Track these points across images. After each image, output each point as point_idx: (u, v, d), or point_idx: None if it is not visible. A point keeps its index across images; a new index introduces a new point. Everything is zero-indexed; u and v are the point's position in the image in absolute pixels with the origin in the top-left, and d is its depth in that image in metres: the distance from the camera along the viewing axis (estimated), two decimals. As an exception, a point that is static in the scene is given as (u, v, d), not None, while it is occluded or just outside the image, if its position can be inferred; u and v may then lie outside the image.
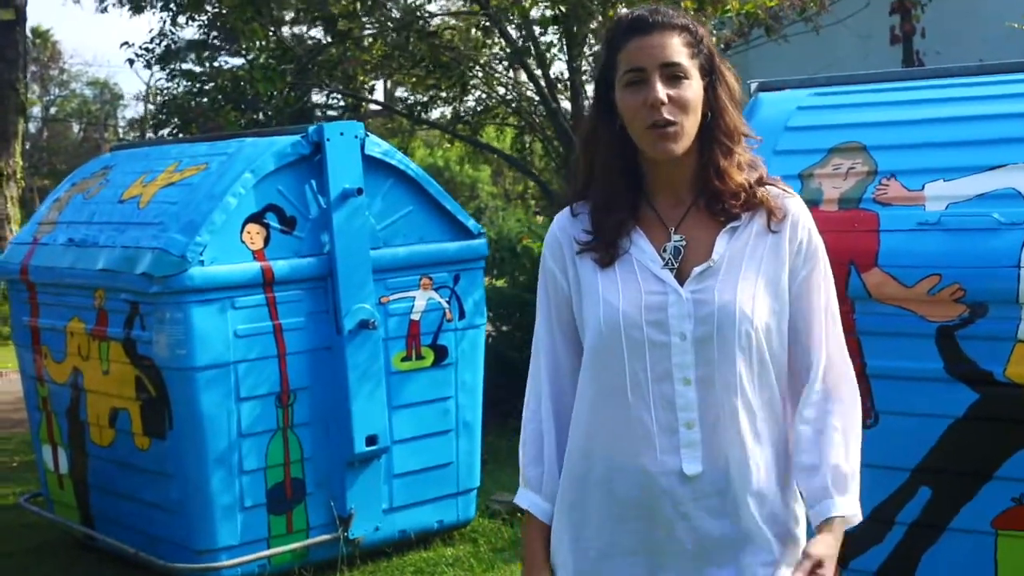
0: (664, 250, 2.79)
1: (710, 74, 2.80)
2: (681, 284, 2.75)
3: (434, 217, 7.09)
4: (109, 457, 6.88)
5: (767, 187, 2.83)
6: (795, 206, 2.84)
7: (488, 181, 43.06)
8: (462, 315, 7.11)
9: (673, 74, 2.73)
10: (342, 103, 14.38)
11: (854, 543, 4.20)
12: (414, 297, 6.95)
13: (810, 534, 2.79)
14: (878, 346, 4.13)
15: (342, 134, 6.65)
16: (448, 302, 7.07)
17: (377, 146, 6.88)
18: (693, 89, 2.75)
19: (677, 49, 2.74)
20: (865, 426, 4.06)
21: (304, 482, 6.58)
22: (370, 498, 6.79)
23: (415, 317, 6.96)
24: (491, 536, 7.31)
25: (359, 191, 6.61)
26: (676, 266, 2.77)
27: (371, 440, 6.67)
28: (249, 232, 6.38)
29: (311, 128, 6.67)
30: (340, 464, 6.66)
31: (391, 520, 6.92)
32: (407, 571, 6.86)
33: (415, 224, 7.01)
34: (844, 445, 2.79)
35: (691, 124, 2.75)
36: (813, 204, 4.32)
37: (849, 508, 2.77)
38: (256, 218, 6.41)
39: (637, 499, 2.78)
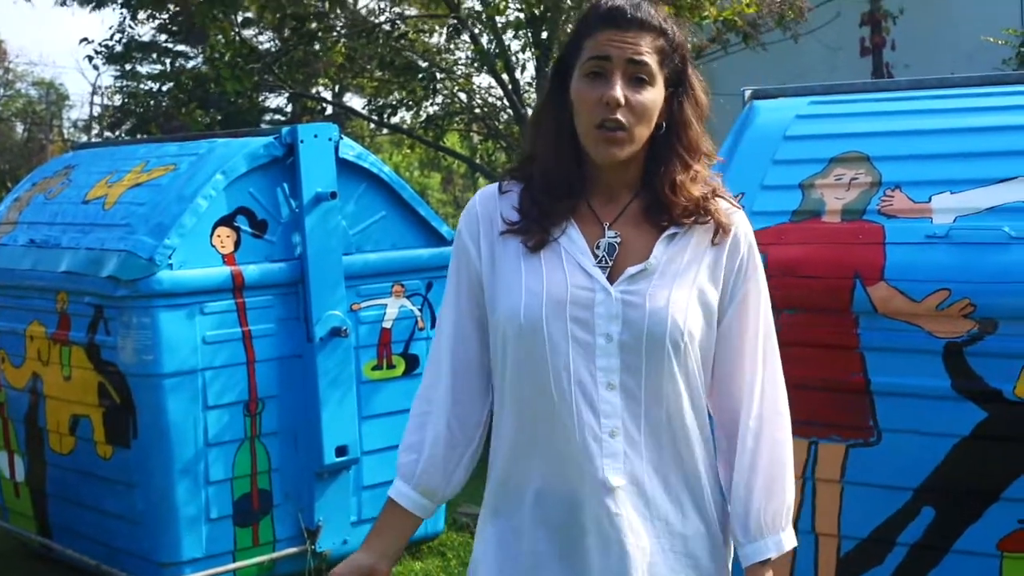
0: (597, 246, 2.64)
1: (677, 85, 2.67)
2: (611, 284, 2.60)
3: (407, 223, 6.94)
4: (69, 466, 6.68)
5: (717, 199, 2.70)
6: (740, 221, 2.72)
7: (438, 188, 43.08)
8: (434, 323, 6.94)
9: (637, 75, 2.59)
10: (297, 107, 14.25)
11: (854, 564, 4.12)
12: (386, 304, 6.80)
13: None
14: (883, 362, 4.03)
15: (316, 136, 6.48)
16: (420, 310, 6.93)
17: (351, 149, 6.73)
18: (653, 96, 2.61)
19: (648, 51, 2.60)
20: (868, 444, 4.03)
21: (271, 493, 6.41)
22: (338, 510, 6.62)
23: (387, 325, 6.81)
24: (460, 550, 7.18)
25: (333, 195, 6.45)
26: (610, 264, 2.63)
27: (341, 451, 6.50)
28: (219, 235, 6.21)
29: (284, 130, 6.51)
30: (308, 475, 6.50)
31: (359, 533, 6.73)
32: (375, 585, 6.70)
33: (388, 229, 6.86)
34: (779, 480, 2.71)
35: (641, 132, 2.61)
36: (815, 215, 4.22)
37: (787, 543, 2.72)
38: (227, 221, 6.24)
39: (565, 506, 2.64)
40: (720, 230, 2.67)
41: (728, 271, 2.68)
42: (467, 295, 2.76)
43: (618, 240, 2.65)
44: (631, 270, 2.61)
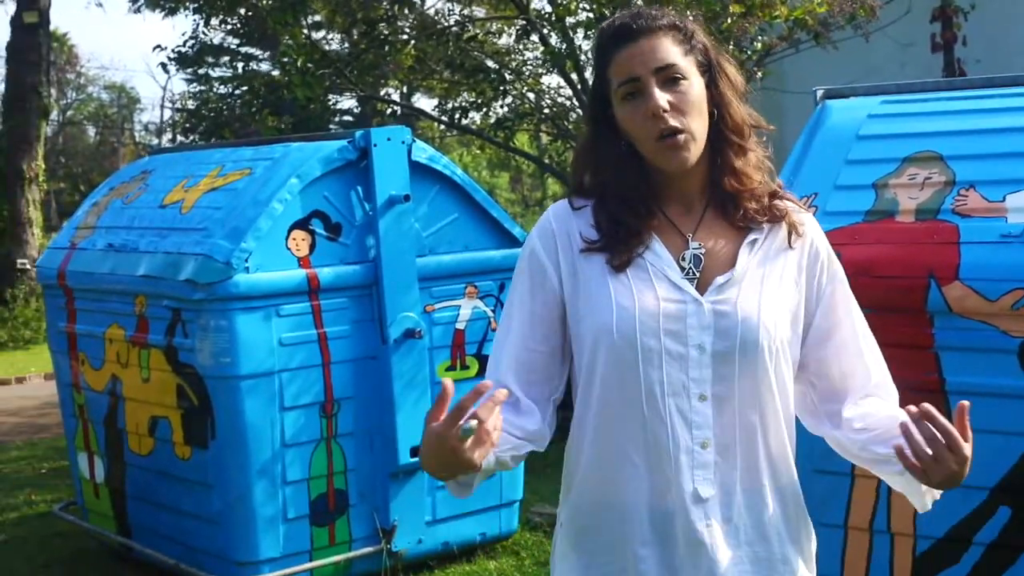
0: (682, 258, 2.63)
1: (709, 70, 2.66)
2: (700, 294, 2.60)
3: (480, 224, 6.99)
4: (148, 466, 6.78)
5: (784, 201, 2.71)
6: (812, 224, 2.73)
7: (507, 187, 43.23)
8: (507, 325, 6.97)
9: (670, 77, 2.58)
10: (368, 108, 14.33)
11: (930, 563, 4.11)
12: (459, 306, 6.86)
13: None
14: (958, 361, 4.02)
15: (389, 139, 6.54)
16: (493, 311, 6.97)
17: (424, 151, 6.78)
18: (694, 89, 2.60)
19: (669, 50, 2.59)
20: (943, 444, 4.00)
21: (347, 493, 6.48)
22: (413, 510, 6.69)
23: (460, 326, 6.86)
24: (534, 549, 7.21)
25: (406, 197, 6.51)
26: (697, 275, 2.62)
27: (416, 451, 6.54)
28: (295, 239, 6.28)
29: (358, 133, 6.57)
30: (384, 475, 6.57)
31: (434, 532, 6.82)
32: (450, 584, 6.77)
33: (461, 231, 6.91)
34: None
35: (699, 127, 2.60)
36: (889, 215, 4.21)
37: None
38: (302, 224, 6.32)
39: (652, 522, 2.62)
40: (793, 232, 2.67)
41: (810, 275, 2.69)
42: (542, 312, 2.71)
43: (702, 251, 2.64)
44: (719, 280, 2.61)
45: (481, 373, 6.84)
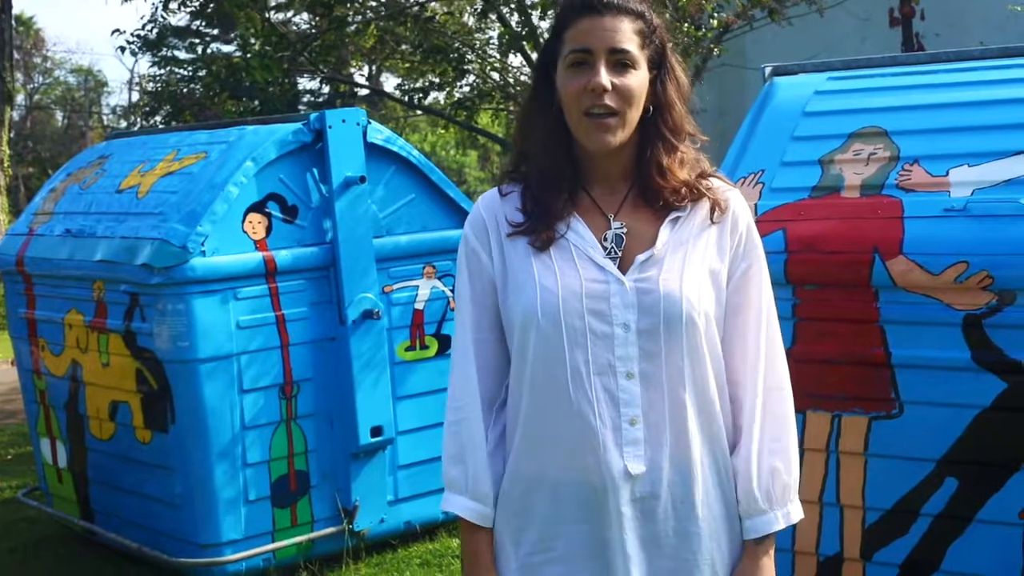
0: (604, 238, 2.67)
1: (659, 67, 2.70)
2: (623, 273, 2.63)
3: (437, 204, 7.01)
4: (109, 451, 6.79)
5: (711, 179, 2.75)
6: (736, 200, 2.75)
7: (475, 166, 43.22)
8: (466, 304, 6.99)
9: (620, 61, 2.62)
10: (331, 89, 14.30)
11: (879, 534, 4.16)
12: (418, 286, 6.88)
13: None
14: (903, 335, 4.05)
15: (344, 121, 6.55)
16: (452, 291, 6.99)
17: (379, 133, 6.79)
18: (639, 80, 2.64)
19: (628, 36, 2.63)
20: (890, 416, 4.06)
21: (308, 474, 6.50)
22: (375, 490, 6.71)
23: (419, 306, 6.89)
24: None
25: (362, 179, 6.52)
26: (619, 254, 2.66)
27: (376, 431, 6.59)
28: (251, 222, 6.29)
29: (313, 115, 6.58)
30: (345, 456, 6.59)
31: (396, 512, 6.84)
32: (413, 563, 6.78)
33: (418, 212, 6.93)
34: (784, 452, 2.72)
35: (632, 116, 2.65)
36: (834, 190, 4.25)
37: (795, 515, 2.73)
38: (258, 207, 6.33)
39: (582, 500, 2.66)
40: (716, 208, 2.70)
41: (730, 248, 2.72)
42: (482, 300, 2.77)
43: (624, 230, 2.68)
44: (640, 258, 2.64)
45: (440, 352, 6.89)
